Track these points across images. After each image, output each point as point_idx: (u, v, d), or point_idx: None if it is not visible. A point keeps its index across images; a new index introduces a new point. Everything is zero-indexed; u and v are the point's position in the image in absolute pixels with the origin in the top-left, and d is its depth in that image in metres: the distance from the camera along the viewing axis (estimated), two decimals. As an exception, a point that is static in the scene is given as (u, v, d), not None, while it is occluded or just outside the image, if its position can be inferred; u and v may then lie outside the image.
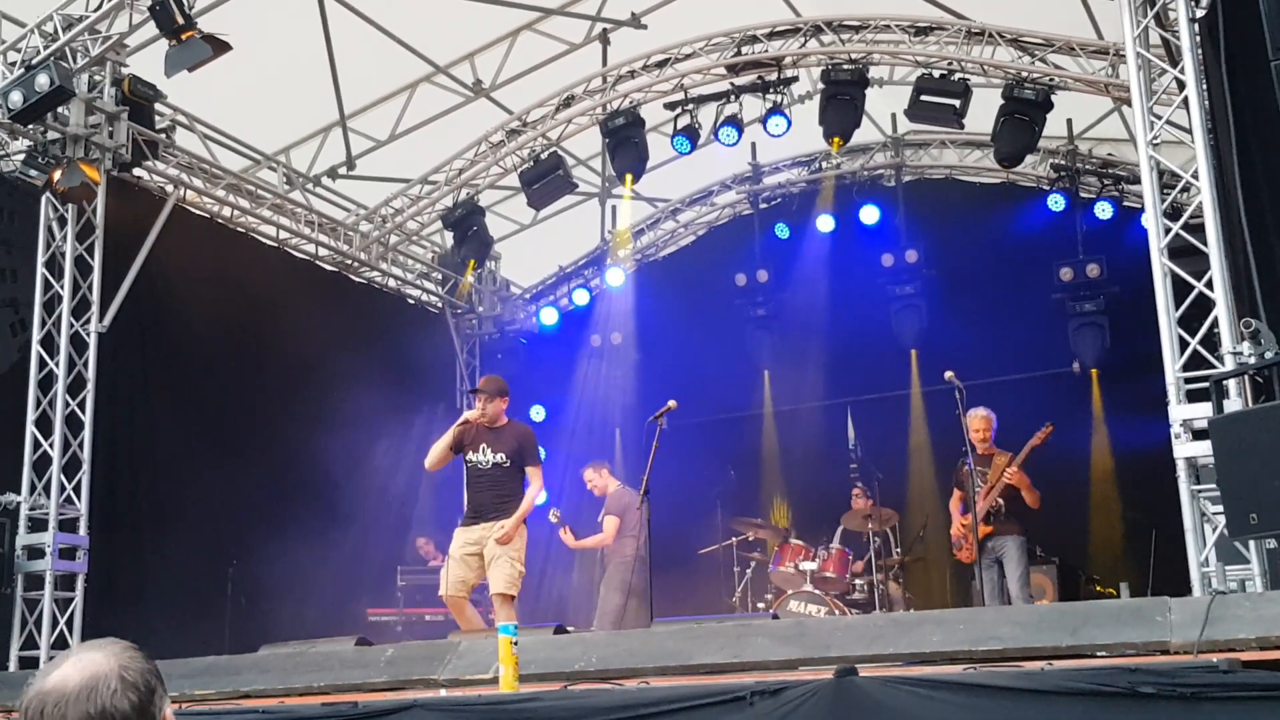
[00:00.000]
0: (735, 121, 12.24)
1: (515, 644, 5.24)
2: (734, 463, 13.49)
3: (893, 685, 4.32)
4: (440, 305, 15.26)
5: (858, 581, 11.04)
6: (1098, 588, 11.20)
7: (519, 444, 8.45)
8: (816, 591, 10.53)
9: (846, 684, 4.34)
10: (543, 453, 8.91)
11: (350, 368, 12.63)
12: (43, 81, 9.22)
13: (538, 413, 15.40)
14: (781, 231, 14.58)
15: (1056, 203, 13.04)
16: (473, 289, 15.53)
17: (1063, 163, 13.15)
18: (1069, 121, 12.84)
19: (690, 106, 12.41)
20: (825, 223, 14.07)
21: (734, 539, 11.90)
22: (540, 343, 15.63)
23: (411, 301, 15.06)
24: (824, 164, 14.63)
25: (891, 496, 11.90)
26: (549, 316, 15.64)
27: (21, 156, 10.11)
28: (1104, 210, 12.81)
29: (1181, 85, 7.61)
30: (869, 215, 13.98)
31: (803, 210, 14.52)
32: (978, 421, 9.64)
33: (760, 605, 11.21)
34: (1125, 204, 12.76)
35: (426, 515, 13.31)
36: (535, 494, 8.44)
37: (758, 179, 14.94)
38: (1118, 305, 12.35)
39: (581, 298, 15.54)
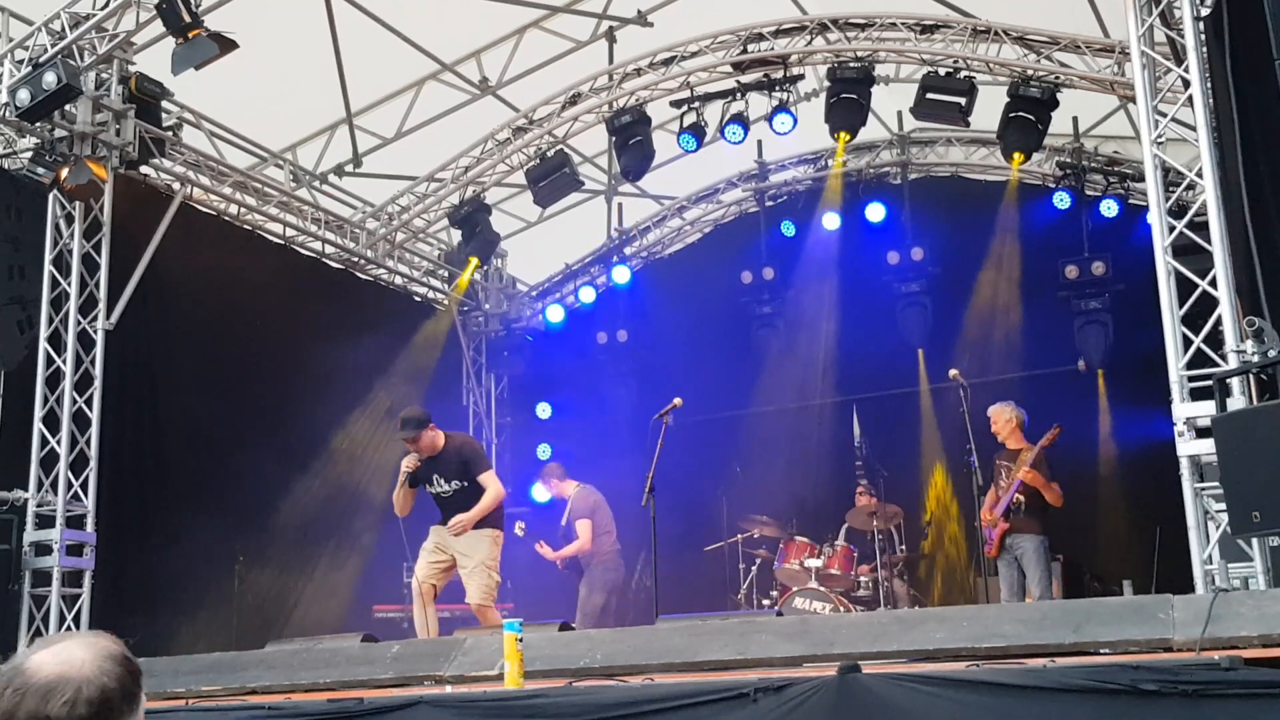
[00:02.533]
0: (741, 119, 12.23)
1: (520, 640, 5.25)
2: (739, 460, 13.50)
3: (896, 682, 4.33)
4: (447, 303, 15.28)
5: (862, 579, 11.05)
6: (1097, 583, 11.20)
7: (463, 462, 8.63)
8: (821, 588, 10.55)
9: (850, 681, 4.36)
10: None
11: (357, 365, 12.63)
12: (50, 79, 9.24)
13: (544, 410, 15.44)
14: (787, 229, 14.53)
15: (1062, 200, 12.99)
16: (479, 286, 15.54)
17: (1068, 160, 13.09)
18: (1075, 119, 12.80)
19: (696, 104, 12.41)
20: (831, 220, 14.03)
21: (739, 536, 11.92)
22: (546, 340, 15.64)
23: (418, 299, 15.06)
24: (830, 161, 14.62)
25: (896, 494, 11.93)
26: (555, 314, 15.66)
27: (29, 154, 10.12)
28: (1109, 208, 12.77)
29: (1186, 84, 7.62)
30: (875, 213, 13.95)
31: (809, 208, 14.47)
32: (994, 416, 9.68)
33: (765, 602, 11.25)
34: (1131, 202, 12.71)
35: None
36: (493, 496, 8.56)
37: (764, 176, 14.93)
38: (1122, 303, 12.32)
39: (588, 295, 15.58)
